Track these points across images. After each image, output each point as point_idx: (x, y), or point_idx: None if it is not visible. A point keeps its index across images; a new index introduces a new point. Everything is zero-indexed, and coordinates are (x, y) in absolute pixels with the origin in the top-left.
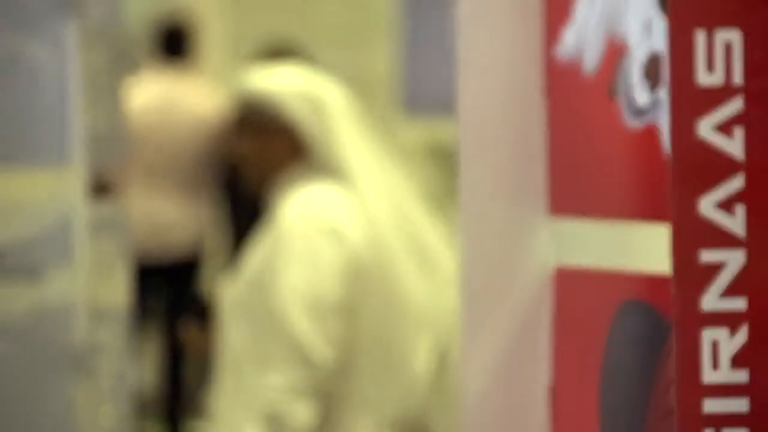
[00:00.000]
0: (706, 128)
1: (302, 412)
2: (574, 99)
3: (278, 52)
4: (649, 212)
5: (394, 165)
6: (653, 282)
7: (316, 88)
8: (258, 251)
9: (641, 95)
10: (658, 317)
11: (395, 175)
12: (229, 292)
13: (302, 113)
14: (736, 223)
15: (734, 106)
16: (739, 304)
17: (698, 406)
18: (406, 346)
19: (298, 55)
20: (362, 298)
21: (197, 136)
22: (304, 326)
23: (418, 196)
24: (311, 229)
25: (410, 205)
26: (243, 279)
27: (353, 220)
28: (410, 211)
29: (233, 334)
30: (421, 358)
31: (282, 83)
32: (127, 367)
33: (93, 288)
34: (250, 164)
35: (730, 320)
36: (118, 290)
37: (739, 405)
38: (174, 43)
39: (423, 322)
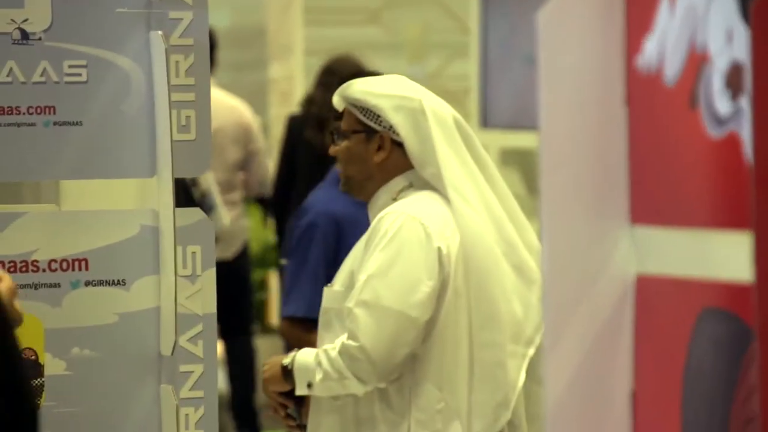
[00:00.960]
0: None
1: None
2: (655, 108)
3: (341, 62)
4: (731, 220)
5: (488, 177)
6: (735, 289)
7: (418, 96)
8: (354, 254)
9: (723, 104)
10: (740, 324)
11: (489, 187)
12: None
13: (402, 121)
14: None
15: None
16: None
17: None
18: (503, 355)
19: (360, 65)
20: (449, 309)
21: (240, 138)
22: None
23: (510, 208)
24: (405, 231)
25: (504, 217)
26: (339, 284)
27: (450, 232)
28: (505, 223)
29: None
30: (515, 368)
31: (386, 90)
32: (212, 372)
33: (179, 294)
34: (349, 165)
35: None
36: (204, 297)
37: None
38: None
39: (519, 332)
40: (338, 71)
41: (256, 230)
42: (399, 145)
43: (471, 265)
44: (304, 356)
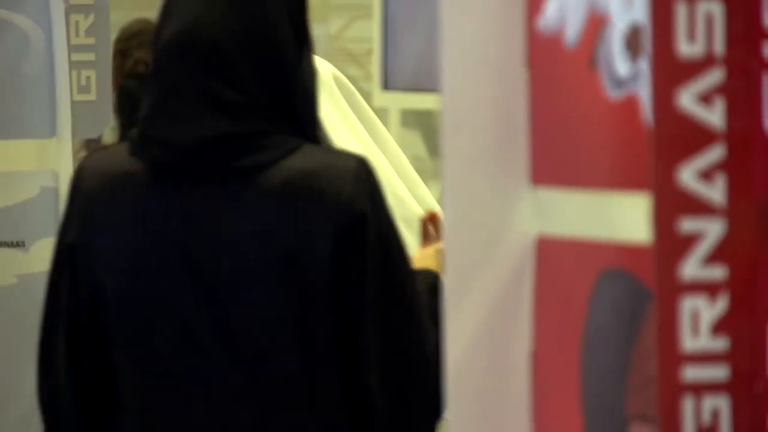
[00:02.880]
0: (686, 98)
1: None
2: (555, 70)
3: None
4: (630, 182)
5: (375, 135)
6: (633, 251)
7: None
8: None
9: (622, 66)
10: (638, 285)
11: (375, 145)
12: None
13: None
14: (716, 192)
15: (715, 76)
16: (719, 272)
17: (678, 373)
18: None
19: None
20: None
21: None
22: None
23: (400, 165)
24: None
25: (392, 173)
26: None
27: None
28: (393, 179)
29: None
30: None
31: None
32: None
33: None
34: None
35: (710, 288)
36: None
37: (719, 372)
38: None
39: None
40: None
41: None
42: None
43: None
44: None
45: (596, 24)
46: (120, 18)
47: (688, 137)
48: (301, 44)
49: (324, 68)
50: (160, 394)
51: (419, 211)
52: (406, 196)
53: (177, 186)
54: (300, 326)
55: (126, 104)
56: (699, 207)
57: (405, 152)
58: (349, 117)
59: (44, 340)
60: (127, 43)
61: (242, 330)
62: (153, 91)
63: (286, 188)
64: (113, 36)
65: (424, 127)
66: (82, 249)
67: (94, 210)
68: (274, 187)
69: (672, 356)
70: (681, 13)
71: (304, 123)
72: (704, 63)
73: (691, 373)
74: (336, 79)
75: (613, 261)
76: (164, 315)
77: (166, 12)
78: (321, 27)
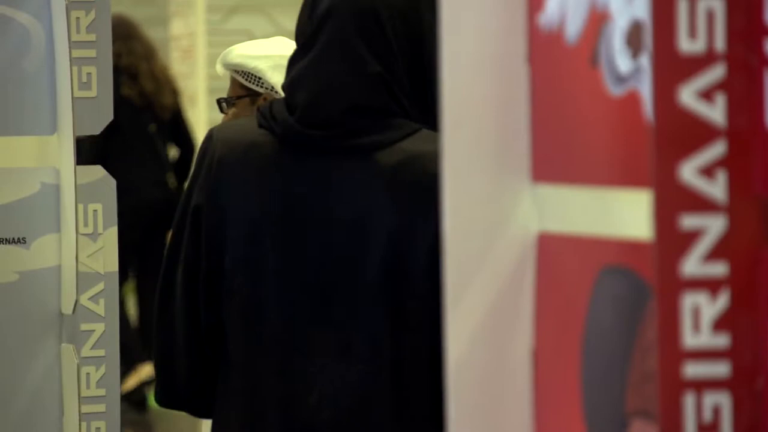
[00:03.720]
0: (687, 95)
1: None
2: (556, 66)
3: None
4: (631, 178)
5: None
6: (634, 247)
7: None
8: None
9: (623, 62)
10: (639, 282)
11: None
12: None
13: (280, 79)
14: (717, 188)
15: (716, 72)
16: (720, 268)
17: (679, 370)
18: None
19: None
20: None
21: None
22: None
23: None
24: None
25: None
26: None
27: None
28: None
29: None
30: None
31: (264, 52)
32: (114, 331)
33: (80, 253)
34: None
35: (711, 285)
36: (105, 255)
37: (720, 369)
38: None
39: None
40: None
41: None
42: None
43: None
44: None
45: (597, 20)
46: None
47: (690, 134)
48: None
49: None
50: (267, 359)
51: None
52: None
53: (298, 159)
54: (395, 306)
55: None
56: (700, 204)
57: None
58: None
59: (163, 294)
60: None
61: (341, 304)
62: (301, 57)
63: (397, 171)
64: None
65: None
66: (206, 211)
67: (220, 177)
68: (386, 168)
69: (673, 353)
70: (682, 9)
71: (431, 108)
72: (705, 59)
73: (692, 370)
74: None
75: (614, 257)
76: (276, 283)
77: None
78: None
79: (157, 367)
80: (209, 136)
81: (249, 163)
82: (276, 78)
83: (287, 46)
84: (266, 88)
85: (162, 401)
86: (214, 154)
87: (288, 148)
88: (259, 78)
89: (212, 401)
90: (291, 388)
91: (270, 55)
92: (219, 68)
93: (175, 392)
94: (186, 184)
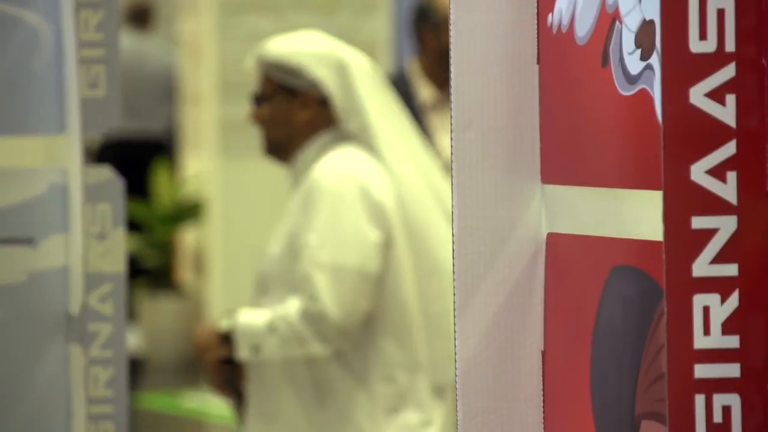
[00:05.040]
0: (698, 95)
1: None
2: (566, 67)
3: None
4: (642, 179)
5: (412, 130)
6: (645, 248)
7: (339, 51)
8: (290, 216)
9: (633, 63)
10: (650, 282)
11: (415, 141)
12: (265, 262)
13: (326, 75)
14: (727, 189)
15: (726, 73)
16: (730, 270)
17: (689, 371)
18: (448, 305)
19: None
20: (395, 261)
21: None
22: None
23: (436, 163)
24: (343, 188)
25: (431, 166)
26: (277, 248)
27: (385, 184)
28: (431, 172)
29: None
30: None
31: (305, 46)
32: (122, 332)
33: (88, 254)
34: (274, 128)
35: (721, 286)
36: (113, 256)
37: (730, 370)
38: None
39: None
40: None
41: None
42: (319, 102)
43: (408, 216)
44: (248, 320)
45: (607, 21)
46: None
47: (700, 134)
48: None
49: (365, 61)
50: None
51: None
52: (444, 192)
53: None
54: None
55: None
56: (711, 204)
57: None
58: (393, 109)
59: None
60: None
61: None
62: None
63: None
64: None
65: None
66: None
67: None
68: None
69: (684, 354)
70: (692, 9)
71: None
72: (716, 60)
73: (702, 371)
74: (377, 72)
75: (624, 258)
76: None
77: None
78: (328, 21)
79: None
80: None
81: None
82: (322, 72)
83: (326, 41)
84: (305, 85)
85: None
86: None
87: None
88: (300, 73)
89: None
90: None
91: (313, 50)
92: (251, 64)
93: None
94: None
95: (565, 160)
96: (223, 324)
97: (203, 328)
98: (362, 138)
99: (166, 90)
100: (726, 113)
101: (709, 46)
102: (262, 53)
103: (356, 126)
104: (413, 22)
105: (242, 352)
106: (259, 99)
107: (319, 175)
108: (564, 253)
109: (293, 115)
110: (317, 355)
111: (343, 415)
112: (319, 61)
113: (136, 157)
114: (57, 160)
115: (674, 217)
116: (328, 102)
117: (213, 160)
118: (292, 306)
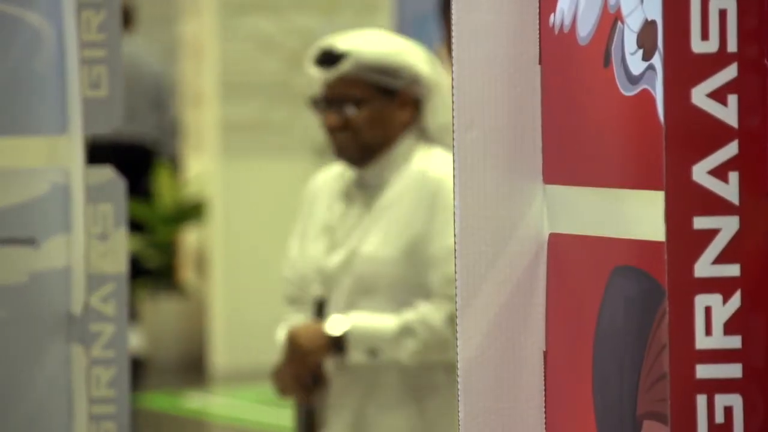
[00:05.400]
0: (700, 95)
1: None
2: (568, 68)
3: None
4: (643, 179)
5: None
6: (647, 248)
7: (422, 48)
8: (404, 216)
9: (635, 63)
10: (651, 283)
11: None
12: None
13: (429, 73)
14: (729, 189)
15: (728, 73)
16: (732, 270)
17: (691, 371)
18: None
19: None
20: None
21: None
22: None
23: None
24: None
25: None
26: (389, 250)
27: None
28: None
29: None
30: None
31: (401, 46)
32: (123, 332)
33: (90, 254)
34: (370, 131)
35: (723, 286)
36: (115, 256)
37: (732, 370)
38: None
39: None
40: None
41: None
42: (414, 101)
43: None
44: (367, 323)
45: (609, 21)
46: None
47: (702, 135)
48: None
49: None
50: None
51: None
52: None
53: None
54: None
55: None
56: (712, 205)
57: None
58: None
59: None
60: None
61: None
62: None
63: None
64: None
65: None
66: None
67: None
68: None
69: (685, 354)
70: (694, 10)
71: None
72: (717, 60)
73: (704, 372)
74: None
75: (626, 258)
76: None
77: None
78: (328, 20)
79: None
80: None
81: None
82: (427, 68)
83: (402, 39)
84: (404, 82)
85: None
86: None
87: None
88: (400, 72)
89: None
90: None
91: (412, 49)
92: (344, 69)
93: None
94: None
95: (566, 161)
96: (329, 327)
97: (308, 329)
98: (438, 137)
99: (150, 91)
100: (728, 113)
101: (711, 46)
102: (358, 61)
103: (439, 124)
104: (440, 7)
105: (355, 356)
106: (354, 103)
107: (443, 177)
108: (565, 253)
109: (392, 116)
110: (453, 360)
111: (443, 415)
112: (420, 60)
113: (125, 160)
114: (59, 161)
115: (676, 217)
116: (422, 100)
117: (215, 161)
118: (431, 310)
